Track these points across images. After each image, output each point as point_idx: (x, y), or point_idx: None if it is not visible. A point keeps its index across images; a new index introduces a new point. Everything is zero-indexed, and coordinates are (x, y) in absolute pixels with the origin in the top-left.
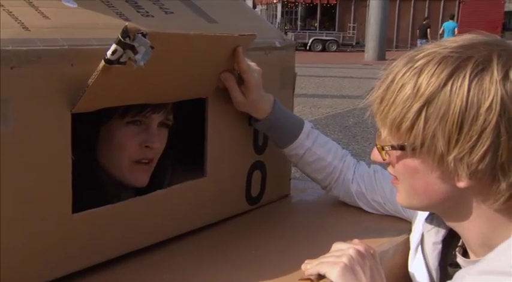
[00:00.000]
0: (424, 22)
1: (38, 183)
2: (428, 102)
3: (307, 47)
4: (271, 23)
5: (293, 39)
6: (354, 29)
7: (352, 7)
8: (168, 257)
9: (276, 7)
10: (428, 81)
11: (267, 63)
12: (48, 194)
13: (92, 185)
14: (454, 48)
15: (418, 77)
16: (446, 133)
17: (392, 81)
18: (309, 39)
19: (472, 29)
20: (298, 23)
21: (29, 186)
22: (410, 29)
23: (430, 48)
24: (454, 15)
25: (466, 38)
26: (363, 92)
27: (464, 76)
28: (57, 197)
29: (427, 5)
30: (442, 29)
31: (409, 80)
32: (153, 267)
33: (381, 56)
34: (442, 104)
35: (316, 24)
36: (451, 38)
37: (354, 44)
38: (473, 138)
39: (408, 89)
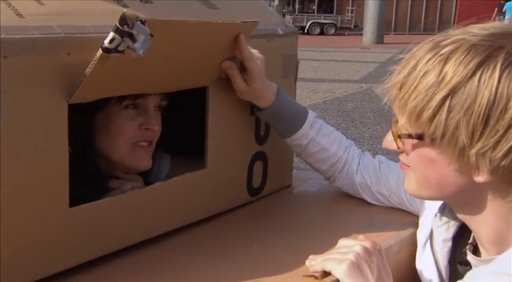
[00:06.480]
0: (502, 2)
1: (33, 177)
2: (453, 92)
3: (305, 31)
4: (269, 5)
5: (291, 22)
6: (352, 12)
7: None
8: (167, 252)
9: None
10: (454, 70)
11: (269, 51)
12: (45, 187)
13: (90, 176)
14: (485, 36)
15: (444, 64)
16: (471, 126)
17: (414, 67)
18: (307, 22)
19: (472, 14)
20: (296, 5)
21: (24, 179)
22: (408, 12)
23: (457, 34)
24: None
25: (497, 25)
26: (361, 76)
27: (494, 66)
28: (53, 191)
29: None
30: (505, 8)
31: (434, 67)
32: (151, 262)
33: (379, 40)
34: (468, 94)
35: (314, 7)
36: (480, 25)
37: (352, 27)
38: (499, 133)
39: (432, 77)
